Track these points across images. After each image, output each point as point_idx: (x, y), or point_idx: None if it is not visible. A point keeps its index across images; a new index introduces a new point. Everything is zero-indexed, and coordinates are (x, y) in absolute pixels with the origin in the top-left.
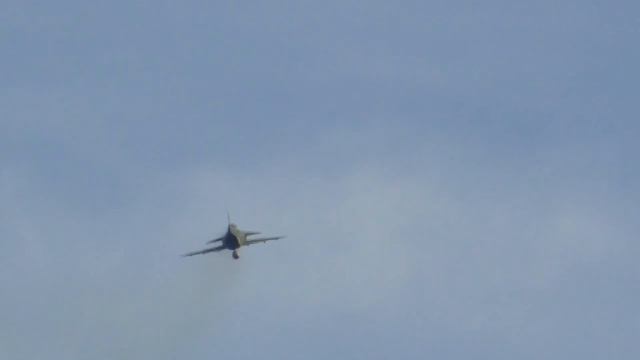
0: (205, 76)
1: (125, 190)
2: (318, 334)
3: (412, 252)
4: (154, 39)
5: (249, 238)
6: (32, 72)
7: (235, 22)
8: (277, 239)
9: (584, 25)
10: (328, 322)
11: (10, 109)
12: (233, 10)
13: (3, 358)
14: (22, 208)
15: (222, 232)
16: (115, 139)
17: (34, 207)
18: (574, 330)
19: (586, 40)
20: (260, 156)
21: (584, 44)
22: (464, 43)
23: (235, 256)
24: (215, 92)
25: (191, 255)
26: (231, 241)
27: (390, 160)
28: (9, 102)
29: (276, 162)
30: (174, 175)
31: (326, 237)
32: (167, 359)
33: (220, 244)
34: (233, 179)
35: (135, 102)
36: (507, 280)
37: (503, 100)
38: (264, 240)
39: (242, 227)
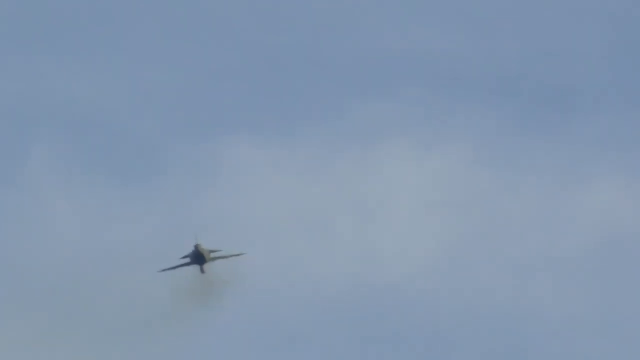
0: (238, 47)
1: (158, 161)
2: (350, 304)
3: (444, 223)
4: (186, 10)
5: (212, 255)
6: (66, 43)
7: None
8: (238, 255)
9: None
10: (360, 293)
11: (44, 81)
12: None
13: (37, 328)
14: (55, 179)
15: (190, 248)
16: (147, 110)
17: (66, 179)
18: (604, 301)
19: (619, 10)
20: (293, 127)
21: (617, 15)
22: (497, 13)
23: (202, 271)
24: (248, 63)
25: (165, 270)
26: (198, 258)
27: (423, 132)
28: (43, 73)
29: (309, 133)
30: (206, 146)
31: (358, 208)
32: (194, 328)
33: (188, 260)
34: (265, 150)
35: (168, 73)
36: (539, 251)
37: (536, 71)
38: (226, 257)
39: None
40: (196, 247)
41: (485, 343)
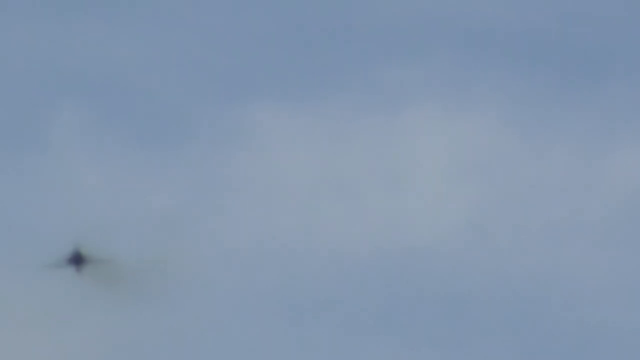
0: (267, 12)
1: (186, 125)
2: (377, 270)
3: (472, 189)
4: None
5: (89, 258)
6: (96, 6)
7: None
8: (110, 260)
9: None
10: (387, 258)
11: (74, 44)
12: None
13: (69, 295)
14: (84, 144)
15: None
16: (177, 75)
17: (96, 144)
18: (634, 267)
19: None
20: (320, 92)
21: None
22: None
23: (79, 271)
24: (275, 27)
25: (47, 268)
26: (78, 259)
27: (451, 97)
28: (72, 36)
29: (335, 98)
30: (234, 111)
31: (385, 173)
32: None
33: (66, 261)
34: (293, 116)
35: (197, 37)
36: (567, 217)
37: (565, 35)
38: (103, 262)
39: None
40: (76, 248)
41: (512, 309)
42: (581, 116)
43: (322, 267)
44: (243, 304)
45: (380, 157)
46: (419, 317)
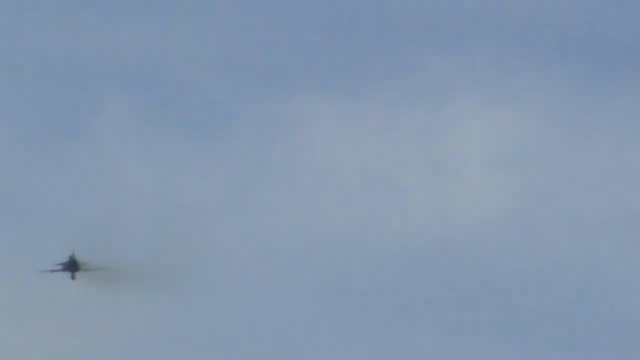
0: (309, 3)
1: (228, 118)
2: (421, 261)
3: (516, 179)
4: None
5: (84, 267)
6: (140, 1)
7: None
8: (103, 269)
9: None
10: (431, 249)
11: (117, 35)
12: None
13: (110, 282)
14: (127, 135)
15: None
16: (220, 67)
17: (138, 135)
18: None
19: None
20: (363, 83)
21: None
22: None
23: (73, 277)
24: (319, 18)
25: (44, 272)
26: (73, 266)
27: (494, 87)
28: (116, 31)
29: (379, 89)
30: (276, 102)
31: (429, 164)
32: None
33: (61, 267)
34: (335, 106)
35: (238, 30)
36: (612, 208)
37: (610, 25)
38: (96, 270)
39: None
40: (71, 256)
41: (554, 300)
42: (626, 105)
43: (366, 259)
44: (288, 297)
45: (424, 147)
46: (463, 307)
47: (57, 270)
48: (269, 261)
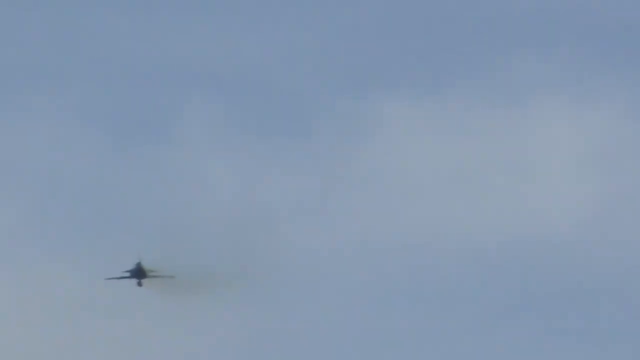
0: (393, 3)
1: (311, 118)
2: (504, 262)
3: (599, 181)
4: None
5: (150, 273)
6: (223, 4)
7: None
8: (171, 277)
9: None
10: (514, 249)
11: (202, 41)
12: None
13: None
14: (211, 137)
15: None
16: (302, 68)
17: (223, 137)
18: None
19: None
20: (445, 83)
21: None
22: None
23: (140, 284)
24: (402, 20)
25: (110, 279)
26: (139, 273)
27: (577, 88)
28: (200, 34)
29: (461, 90)
30: (357, 102)
31: (511, 165)
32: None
33: (128, 274)
34: (417, 107)
35: (322, 32)
36: None
37: None
38: (161, 276)
39: None
40: (138, 264)
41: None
42: None
43: (449, 259)
44: (369, 298)
45: (506, 148)
46: (545, 308)
47: (124, 277)
48: (351, 263)
